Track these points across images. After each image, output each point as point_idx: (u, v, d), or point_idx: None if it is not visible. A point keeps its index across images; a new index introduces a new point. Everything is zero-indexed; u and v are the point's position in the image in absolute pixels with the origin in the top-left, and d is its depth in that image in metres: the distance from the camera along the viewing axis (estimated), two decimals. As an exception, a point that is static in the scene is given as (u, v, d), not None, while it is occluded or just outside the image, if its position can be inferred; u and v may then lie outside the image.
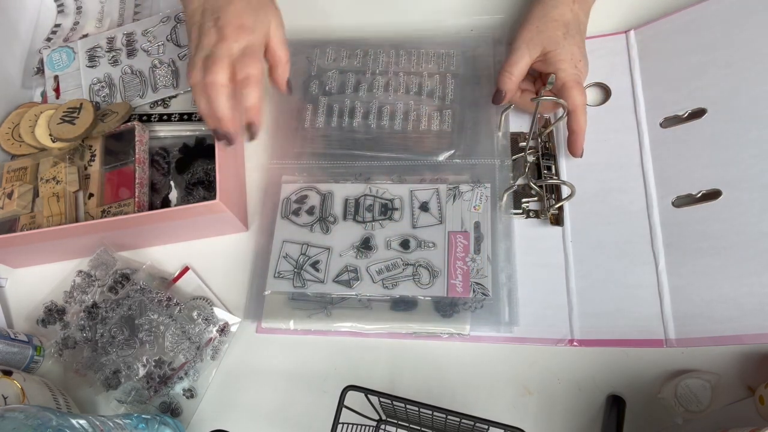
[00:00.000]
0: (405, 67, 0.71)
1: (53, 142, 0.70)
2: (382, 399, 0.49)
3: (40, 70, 0.78)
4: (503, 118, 0.66)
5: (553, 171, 0.65)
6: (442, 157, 0.66)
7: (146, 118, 0.73)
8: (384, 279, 0.62)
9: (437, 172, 0.66)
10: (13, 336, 0.62)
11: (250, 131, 0.56)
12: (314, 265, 0.63)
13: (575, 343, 0.59)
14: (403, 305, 0.61)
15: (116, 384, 0.61)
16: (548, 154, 0.66)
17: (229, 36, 0.54)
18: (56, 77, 0.77)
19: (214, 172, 0.61)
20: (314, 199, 0.67)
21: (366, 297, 0.62)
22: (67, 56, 0.78)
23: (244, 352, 0.63)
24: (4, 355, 0.60)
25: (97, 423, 0.48)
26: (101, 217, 0.66)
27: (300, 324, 0.62)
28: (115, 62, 0.77)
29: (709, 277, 0.56)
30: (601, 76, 0.67)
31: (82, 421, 0.46)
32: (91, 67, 0.77)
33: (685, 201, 0.60)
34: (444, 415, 0.46)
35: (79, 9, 0.83)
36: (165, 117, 0.73)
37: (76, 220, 0.67)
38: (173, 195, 0.70)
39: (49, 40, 0.81)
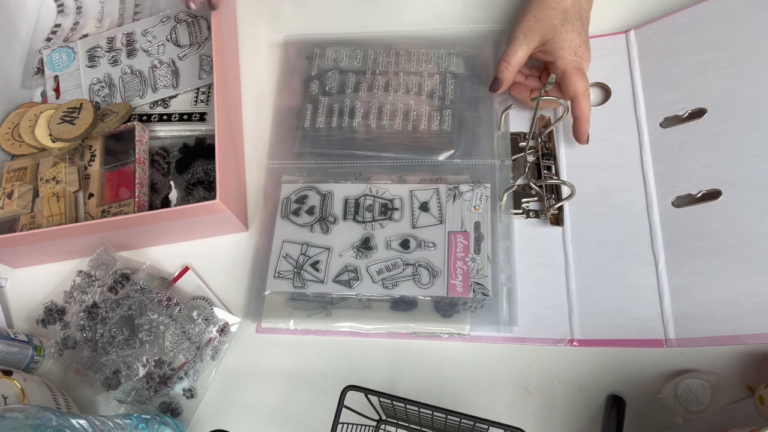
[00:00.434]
0: (405, 67, 0.72)
1: (53, 142, 0.70)
2: (382, 399, 0.49)
3: (40, 70, 0.78)
4: (503, 118, 0.66)
5: (553, 171, 0.65)
6: (442, 157, 0.66)
7: (146, 118, 0.73)
8: (384, 279, 0.62)
9: (437, 172, 0.66)
10: (13, 336, 0.62)
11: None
12: (314, 265, 0.63)
13: (575, 343, 0.59)
14: (403, 305, 0.61)
15: (116, 384, 0.61)
16: (548, 154, 0.66)
17: None
18: (56, 77, 0.77)
19: (214, 172, 0.61)
20: (314, 199, 0.67)
21: (366, 297, 0.62)
22: (67, 56, 0.78)
23: (244, 352, 0.63)
24: (4, 355, 0.60)
25: (97, 423, 0.48)
26: (101, 217, 0.66)
27: (300, 324, 0.62)
28: (115, 62, 0.77)
29: (709, 277, 0.56)
30: (601, 76, 0.67)
31: (82, 421, 0.46)
32: (91, 67, 0.77)
33: (685, 201, 0.60)
34: (444, 415, 0.46)
35: (79, 9, 0.83)
36: (165, 117, 0.73)
37: (76, 220, 0.67)
38: (173, 195, 0.70)
39: (49, 40, 0.81)
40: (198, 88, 0.74)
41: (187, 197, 0.69)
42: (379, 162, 0.67)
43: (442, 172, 0.66)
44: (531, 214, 0.64)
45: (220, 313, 0.64)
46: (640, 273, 0.59)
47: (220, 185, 0.60)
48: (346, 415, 0.49)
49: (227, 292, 0.66)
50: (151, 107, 0.74)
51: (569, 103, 0.62)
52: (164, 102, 0.74)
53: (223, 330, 0.63)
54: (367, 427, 0.56)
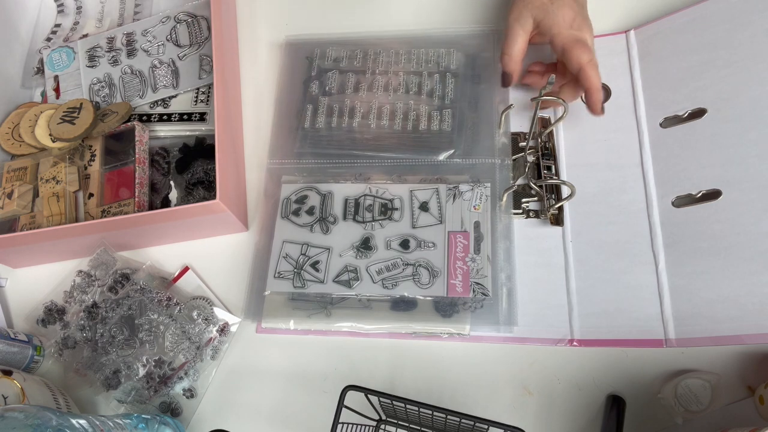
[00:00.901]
0: (405, 66, 0.71)
1: (53, 142, 0.70)
2: (382, 399, 0.49)
3: (40, 70, 0.78)
4: (503, 117, 0.66)
5: (553, 171, 0.65)
6: (442, 157, 0.66)
7: (146, 118, 0.73)
8: (384, 279, 0.62)
9: (437, 171, 0.66)
10: (13, 336, 0.62)
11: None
12: (314, 265, 0.63)
13: (575, 343, 0.59)
14: (403, 305, 0.61)
15: (116, 384, 0.61)
16: (548, 154, 0.66)
17: None
18: (56, 77, 0.77)
19: (214, 172, 0.61)
20: (314, 199, 0.67)
21: (366, 297, 0.62)
22: (67, 56, 0.78)
23: (244, 352, 0.63)
24: (4, 355, 0.60)
25: (97, 423, 0.48)
26: (101, 217, 0.66)
27: (300, 324, 0.62)
28: (115, 62, 0.77)
29: (709, 277, 0.56)
30: (601, 76, 0.67)
31: (82, 421, 0.46)
32: (91, 67, 0.77)
33: (685, 201, 0.60)
34: (444, 415, 0.46)
35: (79, 9, 0.83)
36: (165, 117, 0.73)
37: (76, 220, 0.67)
38: (173, 195, 0.70)
39: (49, 40, 0.81)
40: (198, 88, 0.74)
41: (187, 197, 0.69)
42: (379, 162, 0.67)
43: (442, 172, 0.66)
44: (531, 214, 0.64)
45: (220, 313, 0.64)
46: (640, 273, 0.59)
47: (220, 185, 0.60)
48: (346, 415, 0.49)
49: (227, 292, 0.66)
50: (151, 107, 0.74)
51: (576, 100, 0.61)
52: (164, 102, 0.74)
53: (223, 330, 0.63)
54: (367, 427, 0.56)
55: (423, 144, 0.67)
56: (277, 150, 0.70)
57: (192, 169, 0.70)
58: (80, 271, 0.66)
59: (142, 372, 0.61)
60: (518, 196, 0.65)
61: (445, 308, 0.60)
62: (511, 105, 0.66)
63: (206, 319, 0.63)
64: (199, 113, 0.72)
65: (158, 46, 0.76)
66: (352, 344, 0.62)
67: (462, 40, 0.72)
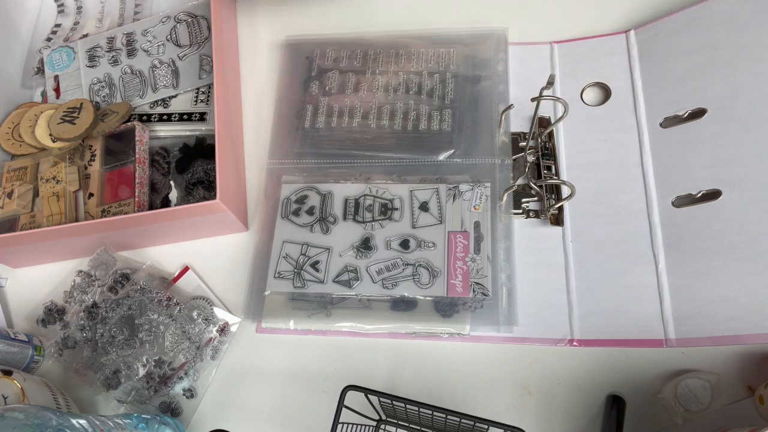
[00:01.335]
0: (405, 66, 0.72)
1: (53, 142, 0.70)
2: (382, 399, 0.49)
3: (40, 70, 0.78)
4: (503, 117, 0.66)
5: (553, 171, 0.65)
6: (442, 157, 0.66)
7: (146, 118, 0.73)
8: (384, 279, 0.62)
9: (437, 171, 0.66)
10: (13, 336, 0.62)
11: None
12: (314, 265, 0.63)
13: (575, 343, 0.59)
14: (403, 305, 0.61)
15: (116, 384, 0.61)
16: (548, 154, 0.66)
17: None
18: (56, 77, 0.77)
19: (214, 171, 0.61)
20: (314, 199, 0.67)
21: (366, 297, 0.62)
22: (67, 56, 0.78)
23: (244, 352, 0.63)
24: (4, 355, 0.60)
25: (97, 423, 0.48)
26: (101, 217, 0.66)
27: (300, 324, 0.62)
28: (115, 62, 0.77)
29: (709, 277, 0.56)
30: (601, 76, 0.67)
31: (82, 421, 0.46)
32: (91, 67, 0.77)
33: (685, 201, 0.60)
34: (444, 415, 0.46)
35: (79, 9, 0.83)
36: (165, 117, 0.73)
37: (76, 220, 0.67)
38: (173, 195, 0.70)
39: (49, 40, 0.81)
40: (198, 88, 0.74)
41: (187, 197, 0.69)
42: (379, 162, 0.67)
43: (442, 172, 0.66)
44: (531, 214, 0.64)
45: (220, 313, 0.64)
46: (640, 273, 0.59)
47: (220, 185, 0.60)
48: (346, 415, 0.49)
49: (227, 292, 0.66)
50: (151, 107, 0.74)
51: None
52: (164, 102, 0.74)
53: (223, 330, 0.63)
54: (367, 427, 0.56)
55: (423, 144, 0.67)
56: (277, 150, 0.70)
57: (192, 169, 0.70)
58: (80, 271, 0.66)
59: (142, 372, 0.61)
60: (518, 196, 0.65)
61: (445, 308, 0.60)
62: (511, 105, 0.66)
63: (206, 319, 0.63)
64: (199, 113, 0.72)
65: (158, 46, 0.76)
66: (352, 344, 0.62)
67: (462, 40, 0.72)
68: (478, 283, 0.60)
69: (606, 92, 0.67)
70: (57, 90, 0.77)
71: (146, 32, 0.77)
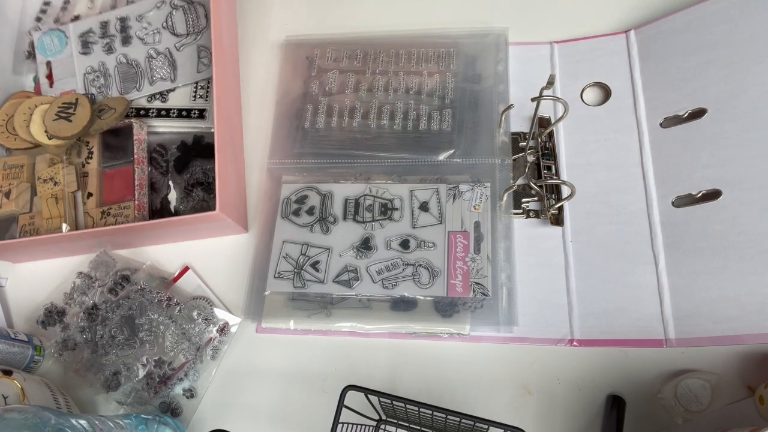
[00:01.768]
0: (405, 66, 0.71)
1: (49, 139, 0.69)
2: (382, 399, 0.49)
3: (31, 54, 0.75)
4: (503, 117, 0.66)
5: (553, 171, 0.65)
6: (442, 157, 0.66)
7: (144, 113, 0.72)
8: (384, 279, 0.62)
9: (437, 171, 0.66)
10: (13, 336, 0.62)
11: None
12: (314, 265, 0.63)
13: (575, 343, 0.59)
14: (403, 305, 0.61)
15: (116, 386, 0.60)
16: (548, 154, 0.66)
17: None
18: (48, 63, 0.74)
19: (213, 172, 0.61)
20: (314, 199, 0.67)
21: (366, 297, 0.62)
22: (59, 40, 0.75)
23: (244, 352, 0.63)
24: (4, 355, 0.60)
25: (97, 423, 0.48)
26: (101, 218, 0.66)
27: (300, 324, 0.62)
28: (109, 50, 0.74)
29: (709, 277, 0.56)
30: (601, 76, 0.67)
31: (82, 421, 0.46)
32: (85, 54, 0.74)
33: (685, 201, 0.60)
34: (444, 415, 0.46)
35: None
36: (163, 112, 0.72)
37: (76, 221, 0.67)
38: (172, 196, 0.69)
39: (38, 20, 0.77)
40: (197, 83, 0.72)
41: (186, 198, 0.69)
42: (379, 162, 0.67)
43: (442, 172, 0.66)
44: (531, 214, 0.64)
45: (220, 313, 0.64)
46: (640, 273, 0.59)
47: (220, 195, 0.60)
48: (346, 415, 0.49)
49: (227, 292, 0.66)
50: (148, 101, 0.72)
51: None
52: (162, 96, 0.72)
53: (223, 330, 0.63)
54: (367, 427, 0.56)
55: (423, 144, 0.67)
56: (277, 150, 0.70)
57: (191, 169, 0.69)
58: (80, 273, 0.66)
59: (142, 372, 0.61)
60: (518, 196, 0.65)
61: (445, 308, 0.60)
62: (511, 105, 0.66)
63: (206, 319, 0.63)
64: (199, 110, 0.71)
65: (154, 33, 0.74)
66: (352, 344, 0.62)
67: (462, 40, 0.72)
68: (478, 283, 0.60)
69: (606, 92, 0.67)
70: (50, 77, 0.74)
71: (141, 17, 0.74)
